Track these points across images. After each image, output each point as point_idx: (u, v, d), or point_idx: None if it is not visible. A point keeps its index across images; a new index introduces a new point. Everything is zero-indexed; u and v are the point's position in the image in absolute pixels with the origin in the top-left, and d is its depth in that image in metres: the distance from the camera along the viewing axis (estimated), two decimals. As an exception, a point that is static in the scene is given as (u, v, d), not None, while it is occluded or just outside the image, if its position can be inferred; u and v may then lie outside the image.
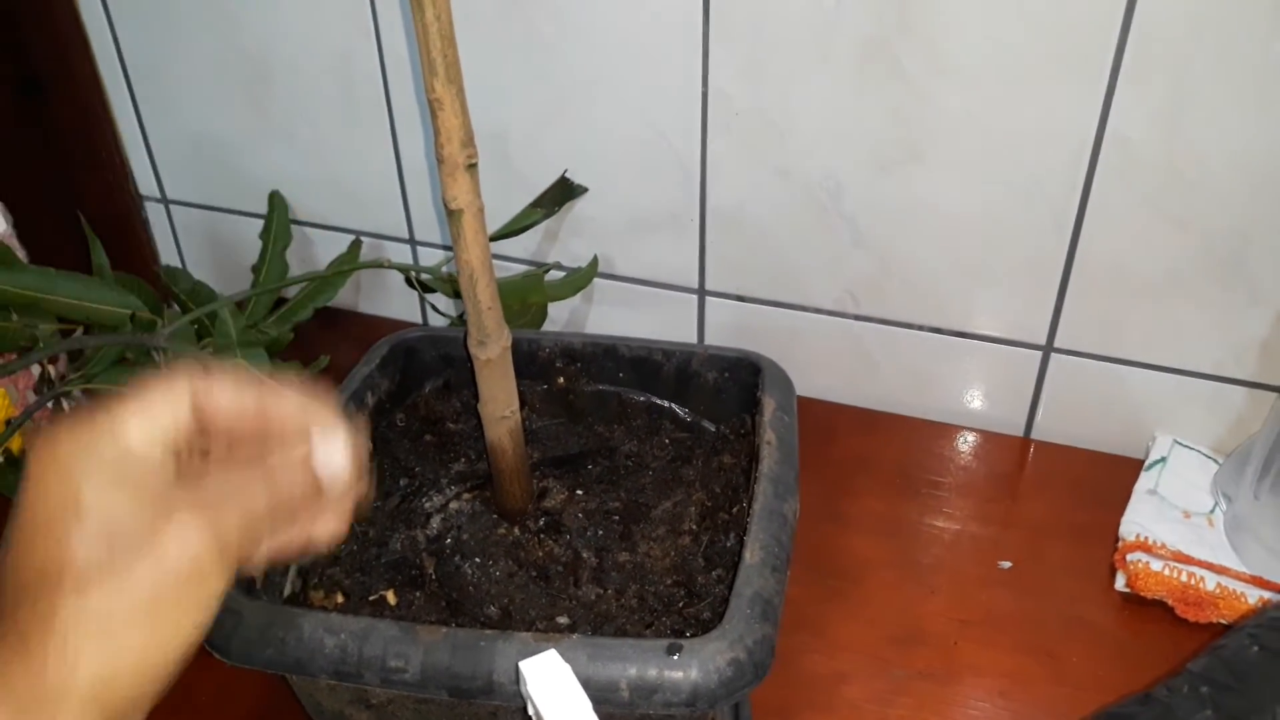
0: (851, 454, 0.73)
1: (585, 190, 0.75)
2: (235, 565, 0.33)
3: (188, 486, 0.33)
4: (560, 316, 0.82)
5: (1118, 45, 0.59)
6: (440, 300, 0.80)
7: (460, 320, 0.77)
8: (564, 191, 0.75)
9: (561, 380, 0.60)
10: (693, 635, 0.42)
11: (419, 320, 0.88)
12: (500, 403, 0.49)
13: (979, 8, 0.60)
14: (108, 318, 0.69)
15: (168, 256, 0.94)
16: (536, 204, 0.74)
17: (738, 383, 0.58)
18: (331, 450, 0.36)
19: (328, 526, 0.37)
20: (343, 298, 0.85)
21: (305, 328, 0.80)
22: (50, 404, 0.74)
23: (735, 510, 0.53)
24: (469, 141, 0.43)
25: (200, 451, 0.35)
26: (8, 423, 0.71)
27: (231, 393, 0.35)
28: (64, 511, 0.30)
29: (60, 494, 0.31)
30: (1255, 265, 0.63)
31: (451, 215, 0.44)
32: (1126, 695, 0.48)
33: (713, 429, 0.59)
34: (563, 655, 0.39)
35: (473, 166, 0.43)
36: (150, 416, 0.33)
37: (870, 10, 0.62)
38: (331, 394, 0.38)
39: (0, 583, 0.31)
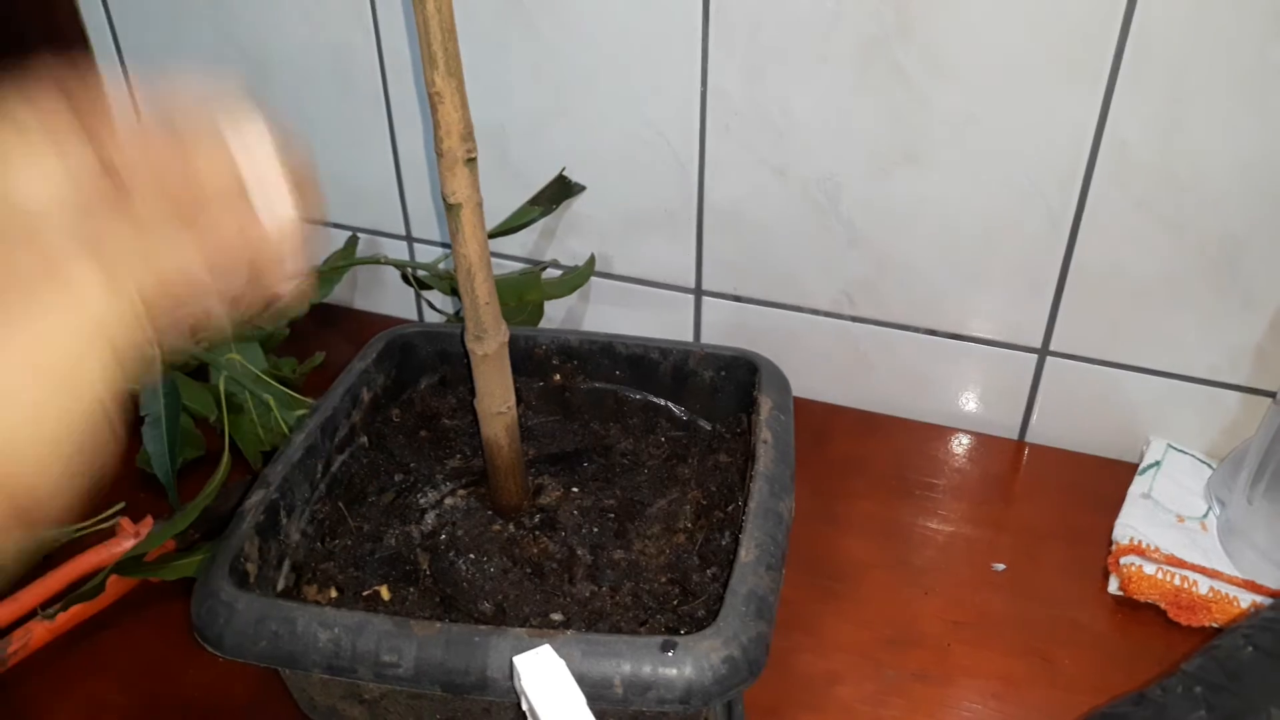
0: (846, 455, 0.73)
1: (583, 189, 0.75)
2: (157, 318, 0.28)
3: (90, 239, 0.28)
4: (556, 315, 0.82)
5: (1116, 49, 0.59)
6: (436, 297, 0.80)
7: (456, 317, 0.77)
8: (562, 190, 0.75)
9: (558, 377, 0.60)
10: (687, 633, 0.42)
11: (415, 317, 0.88)
12: (497, 398, 0.49)
13: (979, 10, 0.61)
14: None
15: (163, 251, 0.94)
16: (534, 202, 0.74)
17: (734, 382, 0.58)
18: (272, 195, 0.30)
19: (286, 271, 0.32)
20: (338, 294, 0.85)
21: (301, 324, 0.80)
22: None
23: (730, 509, 0.53)
24: (469, 135, 0.43)
25: (114, 200, 0.29)
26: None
27: (133, 133, 0.29)
28: None
29: None
30: (1250, 270, 0.63)
31: (450, 209, 0.44)
32: (1119, 696, 0.48)
33: (708, 428, 0.58)
34: (557, 651, 0.39)
35: (472, 161, 0.43)
36: (36, 163, 0.28)
37: (870, 11, 0.62)
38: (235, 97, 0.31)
39: None
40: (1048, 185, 0.65)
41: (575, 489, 0.55)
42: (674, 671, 0.40)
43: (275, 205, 0.30)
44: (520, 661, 0.38)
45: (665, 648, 0.40)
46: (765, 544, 0.45)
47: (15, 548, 0.28)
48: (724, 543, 0.51)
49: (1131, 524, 0.64)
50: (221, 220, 0.29)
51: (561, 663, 0.38)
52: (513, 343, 0.50)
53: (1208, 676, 0.39)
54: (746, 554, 0.44)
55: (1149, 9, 0.58)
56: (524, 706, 0.38)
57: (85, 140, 0.29)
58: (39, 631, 0.58)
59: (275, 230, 0.31)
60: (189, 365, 0.71)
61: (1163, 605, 0.60)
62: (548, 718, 0.36)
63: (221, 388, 0.67)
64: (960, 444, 0.74)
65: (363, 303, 0.90)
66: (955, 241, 0.69)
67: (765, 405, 0.53)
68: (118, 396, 0.29)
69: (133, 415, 0.61)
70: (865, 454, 0.73)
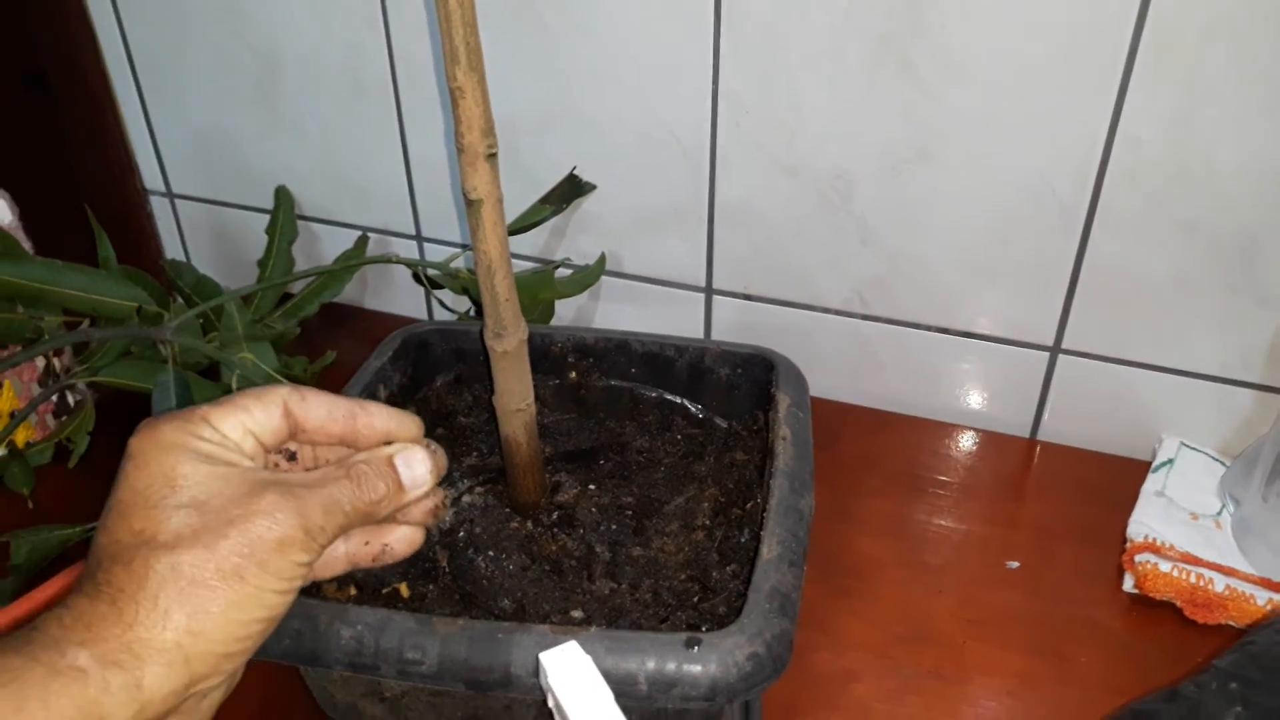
0: (858, 453, 0.73)
1: (594, 188, 0.75)
2: (319, 546, 0.35)
3: (279, 474, 0.36)
4: (566, 314, 0.82)
5: (1130, 47, 0.59)
6: (447, 296, 0.80)
7: (467, 316, 0.77)
8: (572, 189, 0.75)
9: (573, 375, 0.60)
10: (708, 630, 0.42)
11: (425, 316, 0.88)
12: (516, 395, 0.49)
13: (991, 7, 0.61)
14: (113, 310, 0.69)
15: (172, 250, 0.94)
16: (545, 201, 0.74)
17: (750, 379, 0.58)
18: (413, 458, 0.39)
19: (404, 536, 0.41)
20: (349, 293, 0.85)
21: (311, 323, 0.80)
22: (54, 396, 0.74)
23: (749, 506, 0.52)
24: (490, 130, 0.42)
25: (287, 455, 0.39)
26: (12, 415, 0.70)
27: (323, 402, 0.38)
28: (161, 483, 0.33)
29: (158, 468, 0.33)
30: (1264, 268, 0.63)
31: (471, 205, 0.44)
32: (1141, 695, 0.48)
33: (725, 425, 0.58)
34: (581, 647, 0.39)
35: (493, 156, 0.43)
36: (245, 411, 0.36)
37: (882, 8, 0.62)
38: (416, 414, 0.42)
39: (96, 550, 0.33)
40: (1060, 183, 0.65)
41: (592, 486, 0.55)
42: (699, 668, 0.40)
43: (415, 477, 0.39)
44: (547, 658, 0.38)
45: (690, 644, 0.40)
46: (787, 541, 0.45)
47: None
48: (743, 540, 0.51)
49: (1146, 521, 0.64)
50: (375, 481, 0.37)
51: (588, 659, 0.38)
52: (529, 340, 0.49)
53: (1243, 673, 0.39)
54: (769, 551, 0.44)
55: (1163, 6, 0.58)
56: (550, 703, 0.38)
57: (294, 410, 0.38)
58: (53, 631, 0.57)
59: (410, 495, 0.39)
60: (200, 364, 0.71)
61: (1178, 603, 0.60)
62: (575, 714, 0.36)
63: (234, 387, 0.66)
64: (972, 442, 0.74)
65: (373, 302, 0.90)
66: (967, 239, 0.69)
67: (783, 402, 0.53)
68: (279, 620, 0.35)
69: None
70: (877, 452, 0.73)
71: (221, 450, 0.35)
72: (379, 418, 0.39)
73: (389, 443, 0.39)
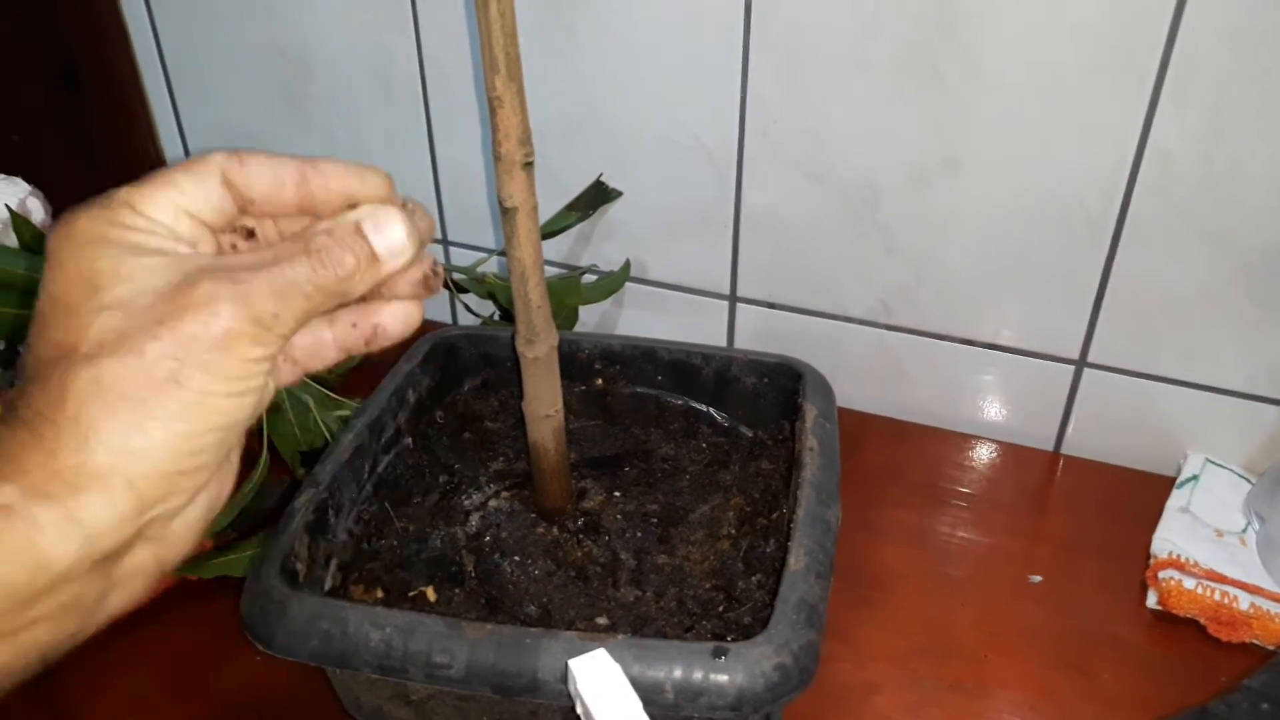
0: (881, 464, 0.73)
1: (620, 194, 0.76)
2: (277, 337, 0.29)
3: (220, 259, 0.30)
4: (590, 320, 0.82)
5: (1162, 59, 0.59)
6: (472, 301, 0.80)
7: (491, 321, 0.77)
8: (599, 195, 0.75)
9: (600, 382, 0.60)
10: (733, 639, 0.42)
11: (449, 320, 0.88)
12: (545, 401, 0.50)
13: (1021, 16, 0.61)
14: (143, 309, 0.69)
15: (198, 250, 0.94)
16: (571, 207, 0.74)
17: (777, 388, 0.58)
18: (383, 220, 0.32)
19: (397, 313, 0.34)
20: (373, 296, 0.85)
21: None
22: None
23: (774, 516, 0.53)
24: (527, 139, 0.43)
25: (245, 234, 0.33)
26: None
27: (266, 165, 0.32)
28: (79, 285, 0.28)
29: (75, 268, 0.28)
30: (1293, 284, 0.63)
31: (506, 213, 0.44)
32: (1164, 713, 0.47)
33: (750, 434, 0.59)
34: (609, 655, 0.39)
35: (529, 165, 0.43)
36: (173, 187, 0.30)
37: (910, 17, 0.62)
38: (380, 171, 0.34)
39: (18, 373, 0.28)
40: (1088, 195, 0.65)
41: (618, 493, 0.55)
42: (725, 678, 0.40)
43: (391, 244, 0.32)
44: (576, 665, 0.38)
45: (717, 654, 0.40)
46: (814, 552, 0.45)
47: (153, 578, 0.30)
48: (769, 550, 0.51)
49: (1170, 538, 0.64)
50: (339, 254, 0.31)
51: (617, 666, 0.38)
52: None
53: (1274, 693, 0.39)
54: (796, 561, 0.44)
55: (1194, 19, 0.58)
56: (579, 710, 0.38)
57: (235, 178, 0.31)
58: (80, 626, 0.58)
59: (388, 266, 0.32)
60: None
61: (1202, 620, 0.60)
62: (604, 721, 0.36)
63: (261, 387, 0.67)
64: (996, 454, 0.74)
65: (397, 304, 0.90)
66: (993, 250, 0.69)
67: (810, 412, 0.53)
68: (245, 425, 0.30)
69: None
70: (900, 463, 0.73)
71: (149, 237, 0.29)
72: (335, 177, 0.33)
73: (354, 206, 0.33)
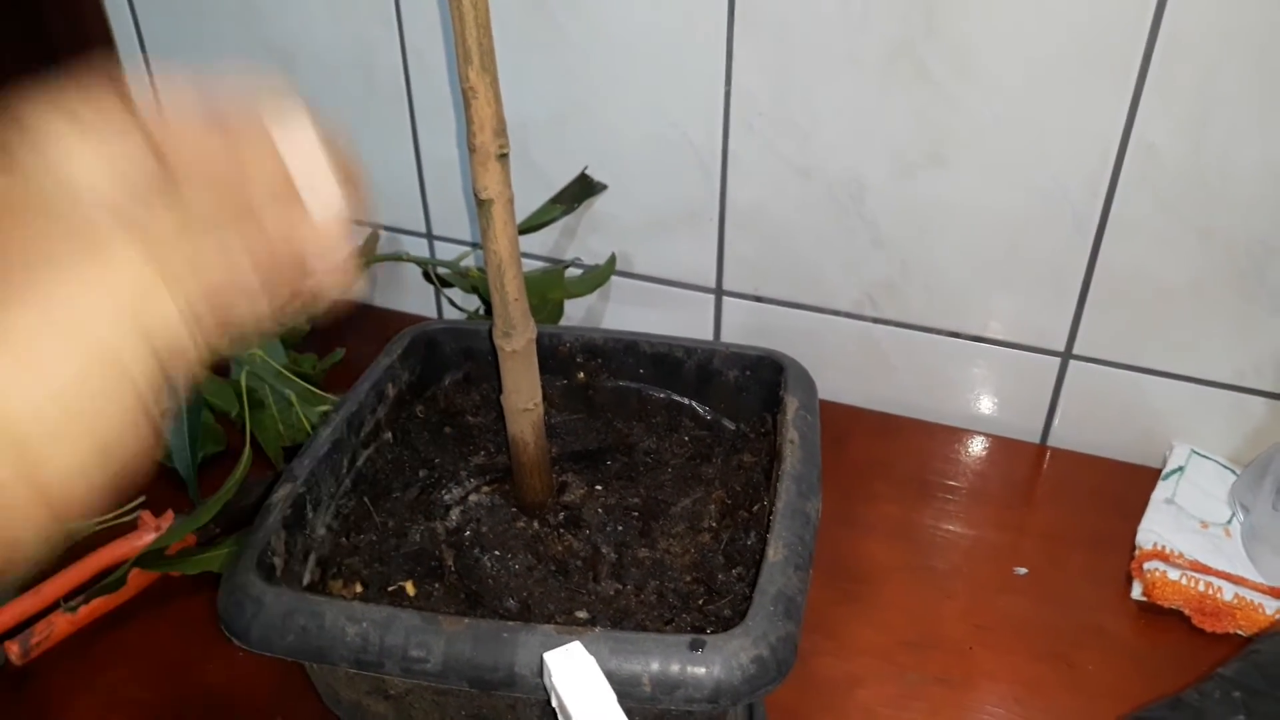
0: (867, 457, 0.73)
1: (605, 188, 0.75)
2: (199, 309, 0.28)
3: (135, 224, 0.28)
4: (576, 314, 0.82)
5: (1145, 52, 0.59)
6: (456, 295, 0.80)
7: (476, 315, 0.77)
8: (584, 188, 0.75)
9: (582, 375, 0.60)
10: (713, 632, 0.42)
11: (434, 315, 0.88)
12: (524, 395, 0.49)
13: (1006, 11, 0.60)
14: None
15: (183, 246, 0.94)
16: (556, 200, 0.74)
17: (759, 381, 0.57)
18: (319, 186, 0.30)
19: (333, 271, 0.32)
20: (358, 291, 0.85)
21: (320, 320, 0.80)
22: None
23: (755, 509, 0.52)
24: (501, 131, 0.42)
25: (161, 188, 0.29)
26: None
27: (181, 111, 0.30)
28: None
29: None
30: (1277, 275, 0.63)
31: (481, 205, 0.44)
32: (1147, 702, 0.47)
33: (732, 427, 0.58)
34: (586, 648, 0.39)
35: (504, 156, 0.43)
36: (86, 145, 0.29)
37: (897, 12, 0.62)
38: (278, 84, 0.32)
39: None
40: (1074, 188, 0.65)
41: (599, 487, 0.55)
42: (703, 670, 0.40)
43: (321, 196, 0.30)
44: (551, 658, 0.38)
45: (694, 646, 0.40)
46: (793, 544, 0.45)
47: (42, 535, 0.28)
48: (749, 543, 0.51)
49: (1155, 529, 0.64)
50: (266, 211, 0.29)
51: (592, 660, 0.37)
52: (537, 340, 0.49)
53: (1247, 681, 0.39)
54: (775, 554, 0.44)
55: (1177, 11, 0.57)
56: (554, 703, 0.38)
57: (135, 128, 0.29)
58: (61, 624, 0.58)
59: (320, 221, 0.31)
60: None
61: (1187, 611, 0.60)
62: (579, 715, 0.36)
63: (243, 383, 0.67)
64: (982, 447, 0.74)
65: (382, 300, 0.90)
66: (979, 243, 0.69)
67: (791, 405, 0.53)
68: (154, 387, 0.29)
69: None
70: (886, 456, 0.73)
71: (57, 193, 0.28)
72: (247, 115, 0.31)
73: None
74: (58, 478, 0.28)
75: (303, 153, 0.30)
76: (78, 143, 0.29)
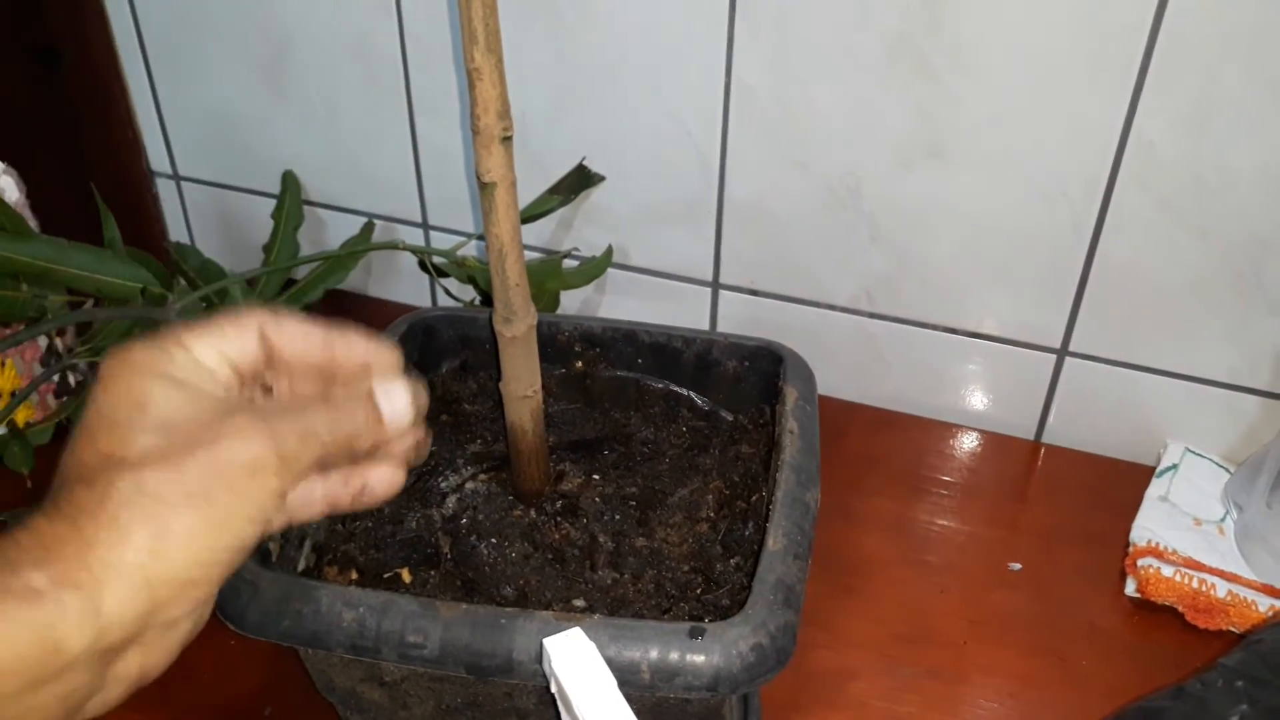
0: (863, 452, 0.73)
1: (603, 179, 0.75)
2: (293, 475, 0.33)
3: (251, 403, 0.35)
4: (571, 305, 0.82)
5: (1146, 50, 0.59)
6: (452, 285, 0.80)
7: (472, 305, 0.76)
8: (581, 179, 0.75)
9: (580, 364, 0.59)
10: (711, 621, 0.42)
11: (429, 305, 0.88)
12: (523, 382, 0.49)
13: (1008, 8, 0.60)
14: (118, 291, 0.69)
15: (177, 233, 0.93)
16: (554, 191, 0.74)
17: (758, 372, 0.57)
18: (393, 389, 0.37)
19: (384, 475, 0.38)
20: (353, 280, 0.84)
21: (315, 309, 0.80)
22: (56, 376, 0.74)
23: (753, 499, 0.52)
24: (506, 113, 0.42)
25: (264, 385, 0.37)
26: (13, 394, 0.70)
27: (299, 329, 0.37)
28: (129, 405, 0.32)
29: (127, 390, 0.32)
30: (1274, 275, 0.63)
31: (484, 188, 0.43)
32: (1145, 694, 0.47)
33: (730, 418, 0.58)
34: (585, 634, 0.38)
35: (508, 139, 0.43)
36: (220, 336, 0.35)
37: (898, 6, 0.62)
38: (395, 348, 0.39)
39: (60, 474, 0.31)
40: (1072, 185, 0.65)
41: (596, 476, 0.55)
42: (702, 658, 0.39)
43: (396, 411, 0.37)
44: (551, 644, 0.37)
45: (694, 634, 0.40)
46: (793, 533, 0.45)
47: (132, 687, 0.32)
48: (747, 533, 0.51)
49: (1149, 526, 0.64)
50: (353, 411, 0.35)
51: (592, 645, 0.37)
52: (536, 328, 0.49)
53: (1250, 671, 0.39)
54: (774, 543, 0.44)
55: (1178, 10, 0.57)
56: (553, 689, 0.38)
57: (270, 334, 0.36)
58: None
59: (390, 429, 0.37)
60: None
61: (1180, 608, 0.60)
62: (579, 700, 0.36)
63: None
64: (977, 443, 0.74)
65: (378, 289, 0.89)
66: (977, 240, 0.69)
67: (791, 395, 0.53)
68: (249, 550, 0.32)
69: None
70: (881, 451, 0.73)
71: (194, 376, 0.33)
72: (356, 345, 0.38)
73: (369, 372, 0.37)
74: (164, 647, 0.32)
75: (391, 388, 0.37)
76: (231, 330, 0.35)
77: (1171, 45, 0.59)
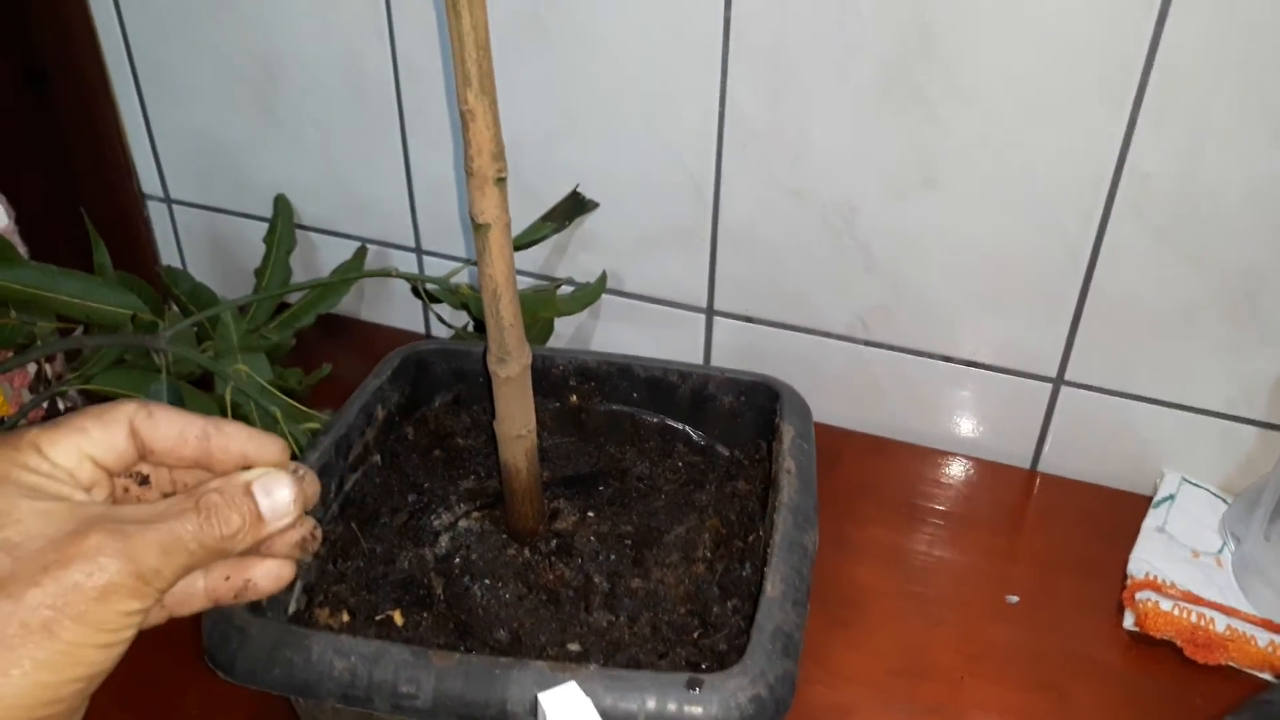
0: (857, 481, 0.72)
1: (596, 205, 0.75)
2: (155, 591, 0.31)
3: (113, 509, 0.32)
4: (565, 332, 0.81)
5: (1140, 79, 0.59)
6: (445, 311, 0.79)
7: (465, 331, 0.76)
8: (575, 206, 0.74)
9: (575, 399, 0.59)
10: (708, 667, 0.42)
11: (422, 330, 0.87)
12: (517, 422, 0.48)
13: (1002, 36, 0.60)
14: (108, 318, 0.68)
15: (168, 257, 0.92)
16: (547, 218, 0.73)
17: (754, 407, 0.57)
18: (274, 484, 0.35)
19: (269, 571, 0.36)
20: (346, 305, 0.84)
21: (307, 334, 0.79)
22: (45, 403, 0.73)
23: (750, 539, 0.52)
24: (500, 155, 0.42)
25: (139, 479, 0.36)
26: (2, 421, 0.69)
27: (174, 422, 0.35)
28: None
29: None
30: (1270, 304, 0.63)
31: (478, 229, 0.43)
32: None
33: (727, 453, 0.58)
34: (580, 686, 0.38)
35: (502, 180, 0.42)
36: (81, 434, 0.33)
37: (892, 35, 0.62)
38: (278, 439, 0.37)
39: None
40: (1067, 214, 0.65)
41: (591, 513, 0.54)
42: (700, 710, 0.39)
43: (276, 507, 0.35)
44: (545, 699, 0.37)
45: (691, 685, 0.39)
46: (790, 578, 0.44)
47: None
48: (745, 574, 0.50)
49: (1147, 558, 0.64)
50: (227, 513, 0.33)
51: (588, 700, 0.37)
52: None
53: (1255, 731, 0.39)
54: (772, 589, 0.43)
55: (1174, 40, 0.57)
56: (548, 744, 0.37)
57: (141, 429, 0.34)
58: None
59: (271, 526, 0.35)
60: (194, 374, 0.70)
61: (1179, 642, 0.60)
62: (574, 757, 0.35)
63: (228, 398, 0.66)
64: (972, 472, 0.74)
65: (370, 314, 0.89)
66: (972, 268, 0.69)
67: (788, 433, 0.52)
68: (105, 675, 0.31)
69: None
70: (876, 479, 0.73)
71: (49, 482, 0.31)
72: (235, 439, 0.35)
73: (248, 467, 0.36)
74: None
75: (273, 481, 0.35)
76: (98, 428, 0.33)
77: (1166, 76, 0.58)
